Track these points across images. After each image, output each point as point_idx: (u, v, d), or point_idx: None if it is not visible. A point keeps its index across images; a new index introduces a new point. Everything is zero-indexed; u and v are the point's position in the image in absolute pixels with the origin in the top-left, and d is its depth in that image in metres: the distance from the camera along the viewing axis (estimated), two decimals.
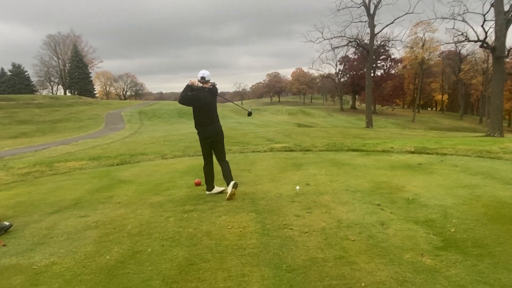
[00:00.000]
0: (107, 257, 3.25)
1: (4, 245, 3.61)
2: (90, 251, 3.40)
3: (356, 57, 62.43)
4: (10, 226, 4.04)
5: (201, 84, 4.97)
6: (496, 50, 17.83)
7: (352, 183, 5.29)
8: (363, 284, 2.60)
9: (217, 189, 5.21)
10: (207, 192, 5.19)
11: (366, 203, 4.37)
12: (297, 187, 4.98)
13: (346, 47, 33.17)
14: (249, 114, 5.66)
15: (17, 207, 4.98)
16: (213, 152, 5.19)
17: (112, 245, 3.50)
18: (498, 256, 2.92)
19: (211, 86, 5.07)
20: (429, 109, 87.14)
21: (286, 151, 8.58)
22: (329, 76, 71.13)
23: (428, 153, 7.27)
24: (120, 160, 8.60)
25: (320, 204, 4.42)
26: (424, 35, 57.25)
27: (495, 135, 17.67)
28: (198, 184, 5.67)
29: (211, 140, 5.09)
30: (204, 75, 4.95)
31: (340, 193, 4.84)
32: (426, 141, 9.31)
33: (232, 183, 4.80)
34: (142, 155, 9.21)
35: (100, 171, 7.49)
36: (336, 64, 69.74)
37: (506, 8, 17.43)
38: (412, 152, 7.51)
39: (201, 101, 4.96)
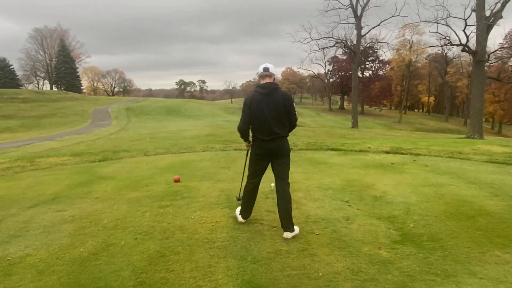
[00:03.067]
0: (81, 249, 3.36)
1: None
2: (64, 243, 3.50)
3: (345, 57, 63.10)
4: None
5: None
6: (477, 54, 18.31)
7: (326, 181, 5.49)
8: (320, 274, 2.78)
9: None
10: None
11: (336, 200, 4.57)
12: (272, 185, 5.13)
13: (334, 47, 33.50)
14: None
15: None
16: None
17: (87, 238, 3.61)
18: (449, 249, 3.14)
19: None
20: (415, 110, 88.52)
21: None
22: (318, 76, 71.72)
23: (403, 153, 7.53)
24: (102, 156, 8.65)
25: (292, 200, 4.57)
26: (411, 37, 58.22)
27: (475, 137, 18.16)
28: (177, 181, 5.78)
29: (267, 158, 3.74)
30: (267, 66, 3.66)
31: (313, 190, 5.03)
32: (403, 142, 9.60)
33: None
34: (124, 152, 9.28)
35: (82, 167, 7.54)
36: (325, 64, 70.42)
37: (487, 13, 17.91)
38: (388, 152, 7.77)
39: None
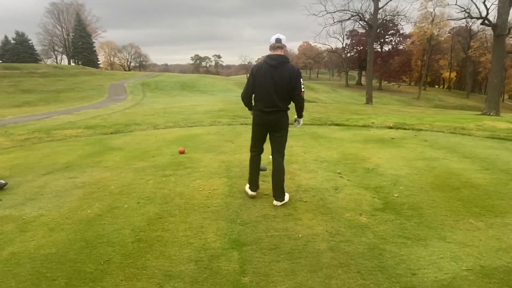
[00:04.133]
0: (88, 211, 3.70)
1: None
2: (74, 206, 3.86)
3: (364, 31, 61.32)
4: (5, 184, 4.51)
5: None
6: (497, 27, 17.64)
7: (323, 154, 5.68)
8: (300, 235, 3.03)
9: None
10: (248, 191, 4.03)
11: (329, 171, 4.77)
12: (270, 157, 5.36)
13: (351, 21, 32.63)
14: None
15: (13, 168, 5.44)
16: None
17: (94, 202, 3.95)
18: (425, 217, 3.33)
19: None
20: (436, 86, 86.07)
21: None
22: (335, 51, 70.17)
23: (405, 129, 7.60)
24: (114, 129, 9.03)
25: (288, 171, 4.78)
26: (434, 9, 55.77)
27: (491, 113, 17.79)
28: (181, 152, 6.07)
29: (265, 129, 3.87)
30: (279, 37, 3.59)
31: (309, 162, 5.23)
32: (409, 117, 9.60)
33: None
34: (136, 125, 9.64)
35: (94, 139, 7.93)
36: (343, 38, 68.68)
37: None
38: (390, 127, 7.85)
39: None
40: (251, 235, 3.08)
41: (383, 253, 2.71)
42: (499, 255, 2.65)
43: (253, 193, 3.97)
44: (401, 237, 2.96)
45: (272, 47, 3.58)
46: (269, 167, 4.94)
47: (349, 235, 3.01)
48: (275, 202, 3.72)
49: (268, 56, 3.58)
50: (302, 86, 3.61)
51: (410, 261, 2.59)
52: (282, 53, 3.60)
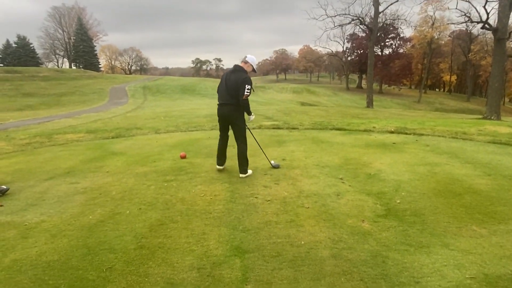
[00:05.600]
0: (90, 217, 3.70)
1: (1, 206, 4.08)
2: (76, 212, 3.85)
3: (364, 35, 61.43)
4: (7, 189, 4.51)
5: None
6: (498, 31, 17.67)
7: (325, 159, 5.67)
8: (302, 242, 3.02)
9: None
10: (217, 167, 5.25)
11: (331, 177, 4.76)
12: (272, 162, 5.38)
13: (351, 25, 32.71)
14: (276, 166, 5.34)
15: (15, 173, 5.44)
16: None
17: (96, 208, 3.95)
18: (428, 223, 3.32)
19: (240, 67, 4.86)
20: (436, 90, 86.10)
21: (273, 128, 8.95)
22: (336, 54, 70.30)
23: (406, 133, 7.60)
24: (115, 133, 9.04)
25: (289, 177, 4.82)
26: (434, 13, 55.90)
27: (492, 117, 17.78)
28: (183, 157, 6.07)
29: (222, 120, 5.05)
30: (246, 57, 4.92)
31: (311, 167, 5.23)
32: (410, 122, 9.60)
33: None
34: (137, 130, 9.64)
35: (96, 143, 7.93)
36: (343, 42, 68.80)
37: None
38: (392, 132, 7.84)
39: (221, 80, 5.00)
40: (253, 242, 3.07)
41: (386, 260, 2.70)
42: (503, 263, 2.64)
43: (219, 167, 5.25)
44: (404, 244, 2.95)
45: (241, 60, 4.96)
46: (270, 172, 4.97)
47: (352, 242, 3.00)
48: (240, 175, 4.89)
49: (234, 65, 4.91)
50: (247, 91, 4.64)
51: (413, 269, 2.58)
52: (243, 66, 4.86)
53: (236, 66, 4.86)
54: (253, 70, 4.96)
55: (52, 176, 5.26)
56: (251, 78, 4.79)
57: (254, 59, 4.95)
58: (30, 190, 4.63)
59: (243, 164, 4.90)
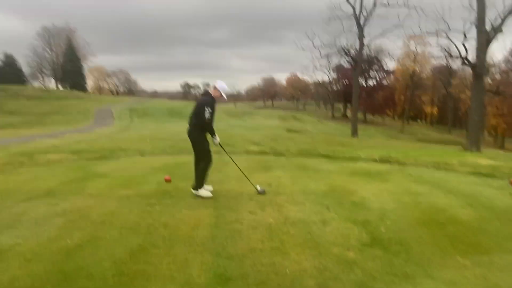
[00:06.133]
0: (68, 241, 3.56)
1: None
2: (53, 235, 3.70)
3: (349, 66, 63.30)
4: None
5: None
6: (476, 67, 18.49)
7: (311, 186, 5.68)
8: (288, 271, 2.97)
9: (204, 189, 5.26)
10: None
11: (317, 204, 4.76)
12: (257, 187, 5.35)
13: (337, 55, 33.77)
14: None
15: None
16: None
17: (75, 231, 3.81)
18: (413, 253, 3.32)
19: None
20: (419, 121, 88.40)
21: (261, 154, 8.97)
22: (322, 83, 71.91)
23: (390, 162, 7.72)
24: (99, 155, 8.88)
25: (275, 203, 4.79)
26: (416, 48, 58.34)
27: (472, 149, 18.27)
28: (167, 181, 5.98)
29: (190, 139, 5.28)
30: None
31: (297, 194, 5.22)
32: (394, 151, 9.78)
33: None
34: (121, 151, 9.51)
35: (79, 164, 7.76)
36: (329, 72, 70.57)
37: (488, 28, 18.12)
38: (376, 161, 7.96)
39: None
40: (237, 269, 2.99)
41: None
42: None
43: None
44: (389, 274, 2.93)
45: (212, 86, 5.26)
46: (256, 198, 4.93)
47: (337, 272, 2.96)
48: (191, 190, 5.15)
49: (203, 90, 5.74)
50: (206, 114, 4.91)
51: None
52: (211, 91, 5.16)
53: (204, 91, 5.36)
54: (221, 95, 5.15)
55: (31, 197, 5.09)
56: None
57: (223, 86, 5.18)
58: (7, 211, 4.45)
59: (198, 179, 5.12)
